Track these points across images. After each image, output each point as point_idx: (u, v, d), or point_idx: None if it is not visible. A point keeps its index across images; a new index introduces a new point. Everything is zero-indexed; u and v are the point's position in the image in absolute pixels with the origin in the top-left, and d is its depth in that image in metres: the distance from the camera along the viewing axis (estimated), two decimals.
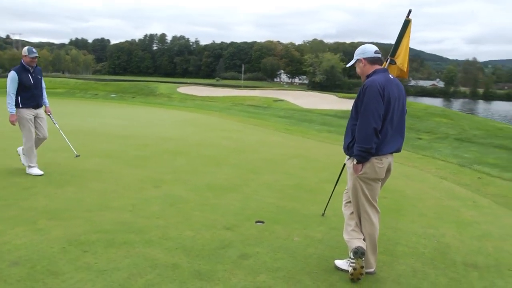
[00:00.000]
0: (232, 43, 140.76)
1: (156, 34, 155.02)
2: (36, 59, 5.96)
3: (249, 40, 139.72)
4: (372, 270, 3.47)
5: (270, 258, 3.69)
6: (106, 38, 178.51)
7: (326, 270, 3.52)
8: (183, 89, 25.04)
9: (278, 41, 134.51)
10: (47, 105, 6.36)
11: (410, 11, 4.02)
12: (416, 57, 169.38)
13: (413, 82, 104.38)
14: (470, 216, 5.19)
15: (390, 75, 3.37)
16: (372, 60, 3.37)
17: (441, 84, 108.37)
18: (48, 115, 6.39)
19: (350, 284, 3.30)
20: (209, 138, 10.11)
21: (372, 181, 3.35)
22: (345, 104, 20.86)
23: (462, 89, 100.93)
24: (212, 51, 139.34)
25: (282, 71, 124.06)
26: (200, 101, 21.04)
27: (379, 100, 3.16)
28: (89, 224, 4.25)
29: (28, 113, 5.95)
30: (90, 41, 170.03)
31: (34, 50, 5.96)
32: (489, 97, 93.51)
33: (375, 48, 3.42)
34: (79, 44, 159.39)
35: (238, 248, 3.86)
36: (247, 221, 4.61)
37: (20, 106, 5.91)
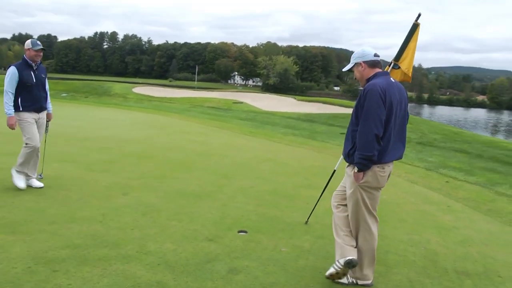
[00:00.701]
0: (186, 44, 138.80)
1: (107, 32, 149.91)
2: (42, 53, 5.18)
3: (203, 41, 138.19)
4: (369, 282, 3.33)
5: (261, 272, 3.45)
6: (53, 34, 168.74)
7: (322, 283, 3.34)
8: (139, 90, 24.21)
9: (232, 43, 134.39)
10: (50, 111, 5.53)
11: (419, 15, 3.94)
12: None
13: None
14: (447, 221, 5.23)
15: (391, 79, 3.25)
16: (372, 64, 3.23)
17: None
18: (47, 121, 5.57)
19: None
20: (173, 141, 9.69)
21: (374, 190, 3.22)
22: (304, 107, 21.05)
23: (409, 93, 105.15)
24: (165, 51, 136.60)
25: (236, 73, 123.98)
26: (157, 102, 20.39)
27: (380, 104, 3.02)
28: (56, 238, 3.81)
29: (30, 116, 5.16)
30: (35, 37, 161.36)
31: (38, 42, 5.16)
32: (433, 102, 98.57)
33: (374, 51, 3.29)
34: (23, 39, 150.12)
35: (225, 262, 3.59)
36: (229, 231, 4.35)
37: (20, 109, 5.10)
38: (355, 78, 3.37)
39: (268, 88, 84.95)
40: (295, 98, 24.50)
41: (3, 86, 5.11)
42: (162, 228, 4.26)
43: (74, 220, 4.31)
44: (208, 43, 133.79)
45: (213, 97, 22.52)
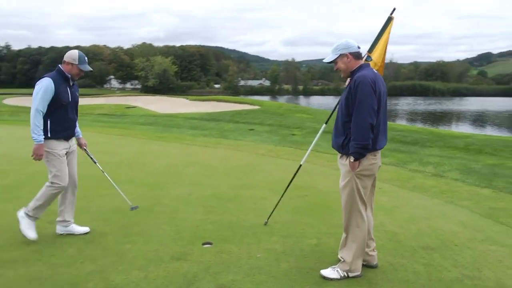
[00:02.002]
0: (53, 48, 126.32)
1: None
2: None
3: (71, 45, 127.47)
4: (359, 273, 3.36)
5: (251, 283, 3.24)
6: None
7: (317, 283, 3.26)
8: (11, 101, 21.41)
9: (105, 45, 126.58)
10: (80, 135, 4.49)
11: (394, 9, 4.05)
12: (242, 58, 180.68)
13: (242, 82, 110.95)
14: (386, 202, 5.55)
15: (375, 71, 3.33)
16: (357, 55, 3.30)
17: (267, 82, 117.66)
18: (85, 149, 4.58)
19: None
20: (79, 155, 8.66)
21: (367, 178, 3.32)
22: (200, 106, 20.78)
23: (285, 86, 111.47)
24: (28, 57, 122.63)
25: (112, 76, 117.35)
26: None
27: (372, 95, 3.12)
28: None
29: (61, 147, 4.09)
30: None
31: (86, 59, 4.17)
32: (307, 93, 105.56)
33: (356, 43, 3.33)
34: None
35: (208, 280, 3.29)
36: (193, 245, 4.01)
37: (49, 135, 4.01)
38: (336, 69, 3.36)
39: (148, 90, 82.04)
40: (188, 98, 24.08)
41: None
42: (119, 255, 3.75)
43: (3, 264, 3.56)
44: (78, 46, 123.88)
45: (101, 103, 20.95)
